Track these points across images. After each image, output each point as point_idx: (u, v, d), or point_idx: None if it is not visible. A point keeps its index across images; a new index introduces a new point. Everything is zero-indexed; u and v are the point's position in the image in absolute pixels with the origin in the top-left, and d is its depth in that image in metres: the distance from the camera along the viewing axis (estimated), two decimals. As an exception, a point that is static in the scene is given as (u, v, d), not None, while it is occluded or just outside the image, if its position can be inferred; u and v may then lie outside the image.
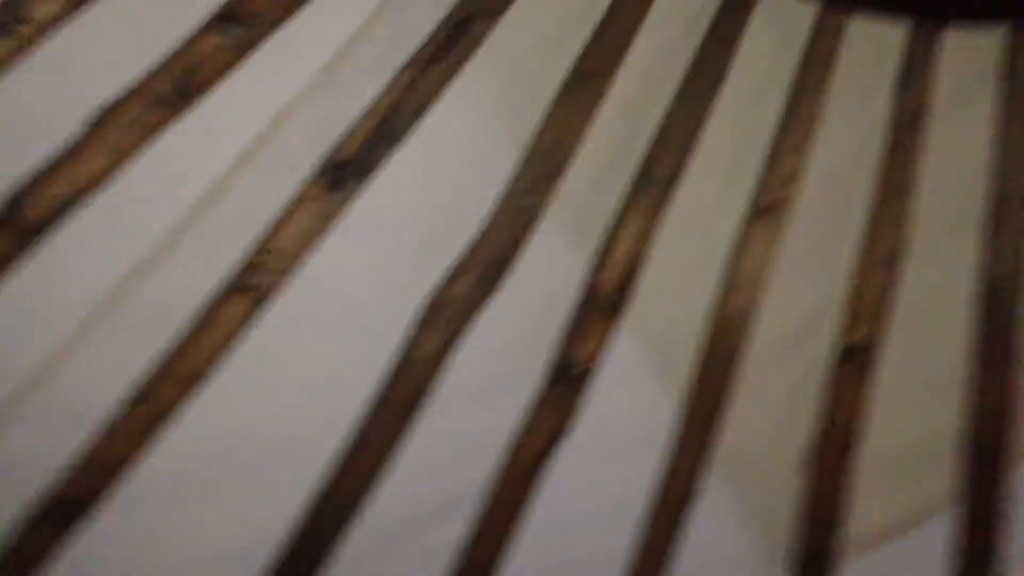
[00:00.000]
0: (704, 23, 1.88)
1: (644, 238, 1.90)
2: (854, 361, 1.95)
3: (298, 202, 1.73)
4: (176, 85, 1.51)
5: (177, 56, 1.50)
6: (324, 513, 1.84)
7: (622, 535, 2.00)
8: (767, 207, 1.91)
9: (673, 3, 1.86)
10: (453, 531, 1.93)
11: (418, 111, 1.77)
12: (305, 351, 1.84)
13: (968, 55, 1.86)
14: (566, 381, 1.94)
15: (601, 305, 1.92)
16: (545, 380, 1.93)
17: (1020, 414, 1.99)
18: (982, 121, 1.90)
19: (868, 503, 2.05)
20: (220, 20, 1.52)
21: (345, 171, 1.76)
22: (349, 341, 1.86)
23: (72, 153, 1.52)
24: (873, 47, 1.87)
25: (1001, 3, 1.83)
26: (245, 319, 1.74)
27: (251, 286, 1.74)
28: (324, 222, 1.76)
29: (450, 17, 1.77)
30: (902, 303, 1.93)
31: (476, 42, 1.78)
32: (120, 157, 1.52)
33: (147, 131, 1.52)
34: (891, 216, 1.89)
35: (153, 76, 1.49)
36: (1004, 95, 1.86)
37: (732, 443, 2.00)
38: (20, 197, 1.52)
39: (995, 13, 1.84)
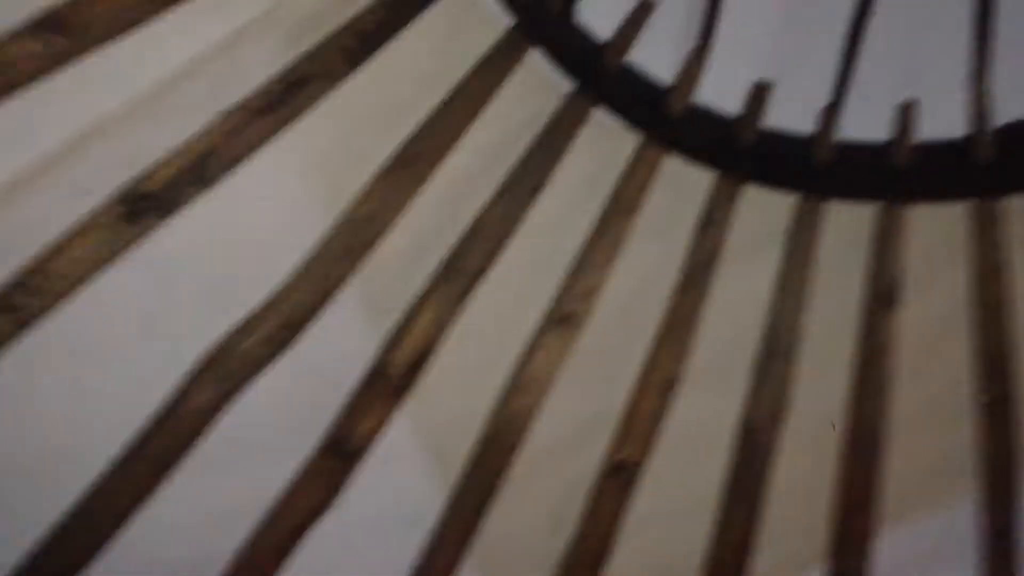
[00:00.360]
0: (535, 130, 1.95)
1: (441, 325, 1.92)
2: (618, 477, 2.02)
3: (87, 227, 1.63)
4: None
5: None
6: (52, 561, 1.70)
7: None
8: (563, 317, 1.97)
9: (508, 106, 1.92)
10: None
11: (236, 158, 1.73)
12: (69, 383, 1.72)
13: (767, 211, 2.02)
14: (339, 455, 1.90)
15: (387, 385, 1.90)
16: (317, 451, 1.88)
17: (757, 547, 2.12)
18: (767, 273, 2.05)
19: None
20: (40, 27, 1.43)
21: (146, 204, 1.68)
22: (118, 380, 1.75)
23: None
24: (685, 187, 1.99)
25: (797, 172, 2.00)
26: (4, 340, 1.61)
27: (17, 306, 1.61)
28: (113, 252, 1.67)
29: (288, 72, 1.74)
30: (669, 429, 2.02)
31: (310, 102, 1.76)
32: None
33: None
34: (673, 347, 1.99)
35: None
36: (786, 255, 2.02)
37: (493, 539, 2.01)
38: None
39: (791, 180, 2.00)
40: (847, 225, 2.02)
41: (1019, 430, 1.99)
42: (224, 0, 1.64)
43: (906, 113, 2.00)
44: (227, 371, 1.78)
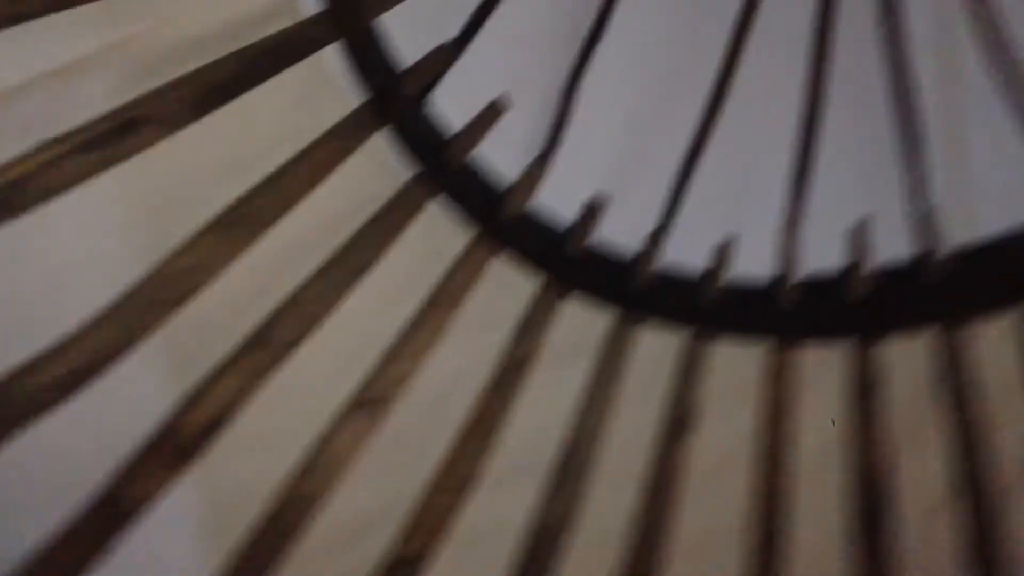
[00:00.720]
0: (373, 209, 1.93)
1: (242, 393, 1.84)
2: (400, 571, 1.99)
3: None
4: None
5: None
6: None
7: None
8: (369, 401, 1.94)
9: (351, 181, 1.90)
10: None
11: (50, 191, 1.62)
12: None
13: (587, 322, 2.07)
14: (109, 516, 1.77)
15: (175, 447, 1.80)
16: (87, 508, 1.75)
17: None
18: (577, 383, 2.09)
19: None
20: None
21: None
22: None
23: None
24: (513, 287, 2.03)
25: (617, 291, 2.07)
26: None
27: None
28: None
29: (122, 110, 1.66)
30: (459, 527, 2.01)
31: (142, 145, 1.68)
32: None
33: None
34: (474, 445, 1.99)
35: None
36: (596, 368, 2.08)
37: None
38: None
39: (611, 297, 2.07)
40: (660, 347, 2.11)
41: (786, 565, 2.09)
42: (66, 27, 1.55)
43: (723, 250, 2.12)
44: (3, 413, 1.64)
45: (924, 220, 1.99)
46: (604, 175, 2.14)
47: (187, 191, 1.79)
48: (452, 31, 1.98)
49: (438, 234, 2.00)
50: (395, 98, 1.92)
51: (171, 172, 1.77)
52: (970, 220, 1.95)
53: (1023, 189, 1.92)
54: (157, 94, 1.69)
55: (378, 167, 1.95)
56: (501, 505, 2.05)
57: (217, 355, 1.82)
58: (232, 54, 1.73)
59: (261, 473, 1.90)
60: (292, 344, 1.88)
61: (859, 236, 2.06)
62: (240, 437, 1.84)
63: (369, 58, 1.88)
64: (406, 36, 1.93)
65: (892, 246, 2.04)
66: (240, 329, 1.83)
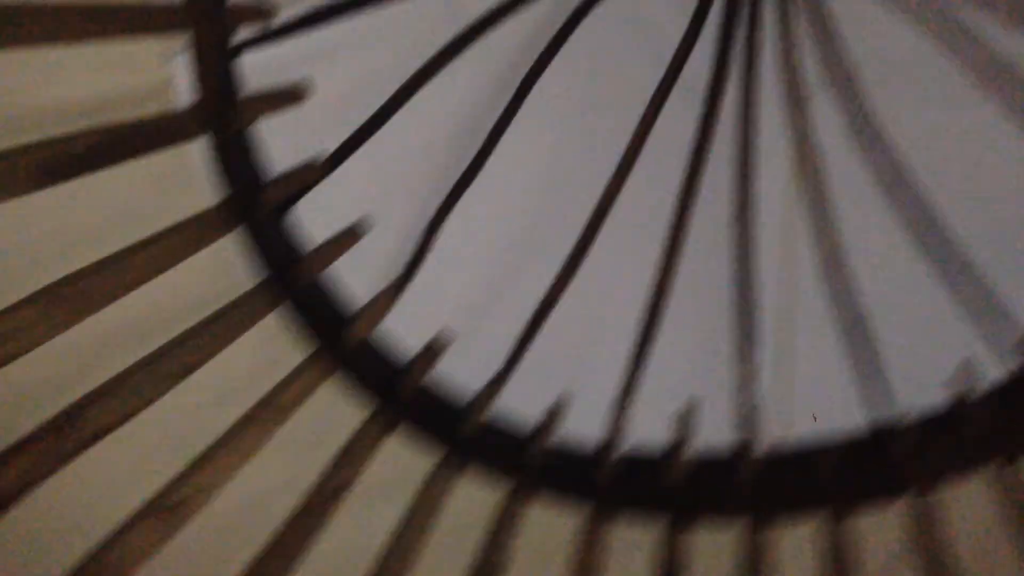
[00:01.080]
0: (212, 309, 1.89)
1: (35, 478, 1.72)
2: None
3: None
4: None
5: None
6: None
7: None
8: (171, 505, 1.84)
9: (194, 275, 1.86)
10: None
11: None
12: None
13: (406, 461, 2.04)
14: None
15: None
16: None
17: None
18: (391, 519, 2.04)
19: None
20: None
21: None
22: None
23: None
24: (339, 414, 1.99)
25: (444, 435, 2.06)
26: None
27: None
28: None
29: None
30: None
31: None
32: None
33: None
34: (274, 568, 1.91)
35: None
36: (410, 509, 2.03)
37: None
38: None
39: (437, 440, 2.05)
40: (478, 496, 2.08)
41: None
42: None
43: (555, 409, 2.14)
44: None
45: (747, 414, 2.05)
46: (455, 313, 2.15)
47: (26, 258, 1.71)
48: (329, 147, 1.99)
49: (277, 345, 1.96)
50: (255, 204, 1.90)
51: (15, 236, 1.70)
52: (789, 422, 2.02)
53: (840, 400, 2.01)
54: (1, 157, 1.63)
55: (226, 266, 1.91)
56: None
57: (16, 434, 1.71)
58: (91, 130, 1.69)
59: (42, 566, 1.78)
60: (99, 433, 1.78)
61: (685, 419, 2.10)
62: (23, 525, 1.72)
63: (235, 159, 1.86)
64: (279, 143, 1.93)
65: (716, 432, 2.09)
66: (49, 410, 1.74)
